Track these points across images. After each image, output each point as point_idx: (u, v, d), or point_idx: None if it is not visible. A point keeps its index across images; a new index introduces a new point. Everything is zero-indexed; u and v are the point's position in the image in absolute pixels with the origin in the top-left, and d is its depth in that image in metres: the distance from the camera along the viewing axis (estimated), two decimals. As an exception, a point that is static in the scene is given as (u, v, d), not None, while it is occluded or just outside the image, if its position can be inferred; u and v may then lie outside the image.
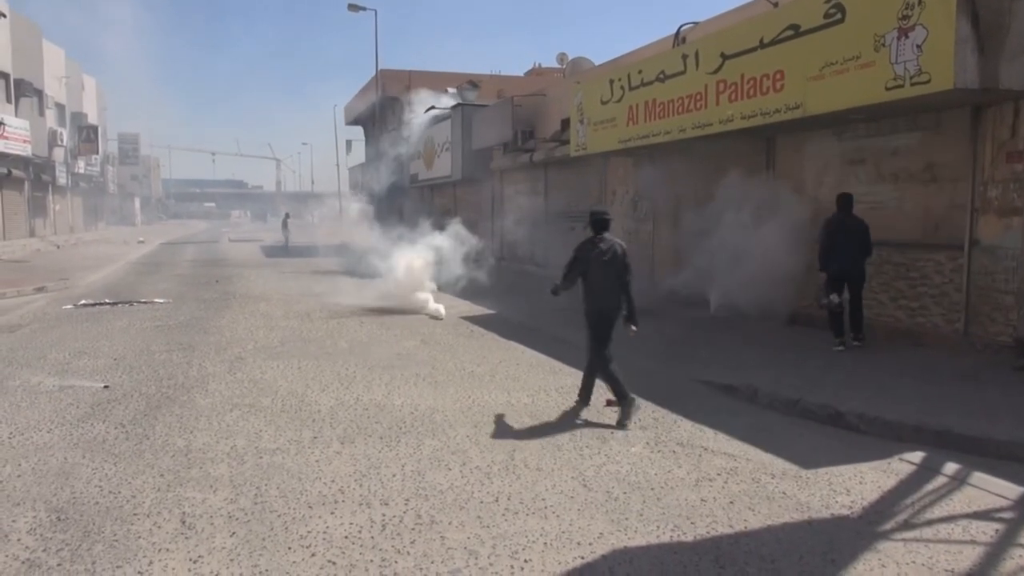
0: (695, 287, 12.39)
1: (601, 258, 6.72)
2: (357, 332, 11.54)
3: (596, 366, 6.86)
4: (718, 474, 5.41)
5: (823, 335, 9.84)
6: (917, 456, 5.77)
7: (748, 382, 7.70)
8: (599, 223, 6.86)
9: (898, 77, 7.96)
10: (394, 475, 5.33)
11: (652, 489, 5.11)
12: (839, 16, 8.71)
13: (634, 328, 6.77)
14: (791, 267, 10.64)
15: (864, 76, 8.40)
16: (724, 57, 10.73)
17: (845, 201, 9.30)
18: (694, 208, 12.77)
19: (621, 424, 6.52)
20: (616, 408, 6.87)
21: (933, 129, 9.35)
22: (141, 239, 42.78)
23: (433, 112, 27.78)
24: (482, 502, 4.84)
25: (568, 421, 6.69)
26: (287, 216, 39.37)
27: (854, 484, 5.23)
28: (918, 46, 7.75)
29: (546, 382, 8.21)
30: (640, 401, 6.99)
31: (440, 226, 11.87)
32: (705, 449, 5.97)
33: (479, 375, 8.56)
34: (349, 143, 56.09)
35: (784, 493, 5.07)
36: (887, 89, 8.13)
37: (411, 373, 8.60)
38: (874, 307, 9.97)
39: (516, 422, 6.68)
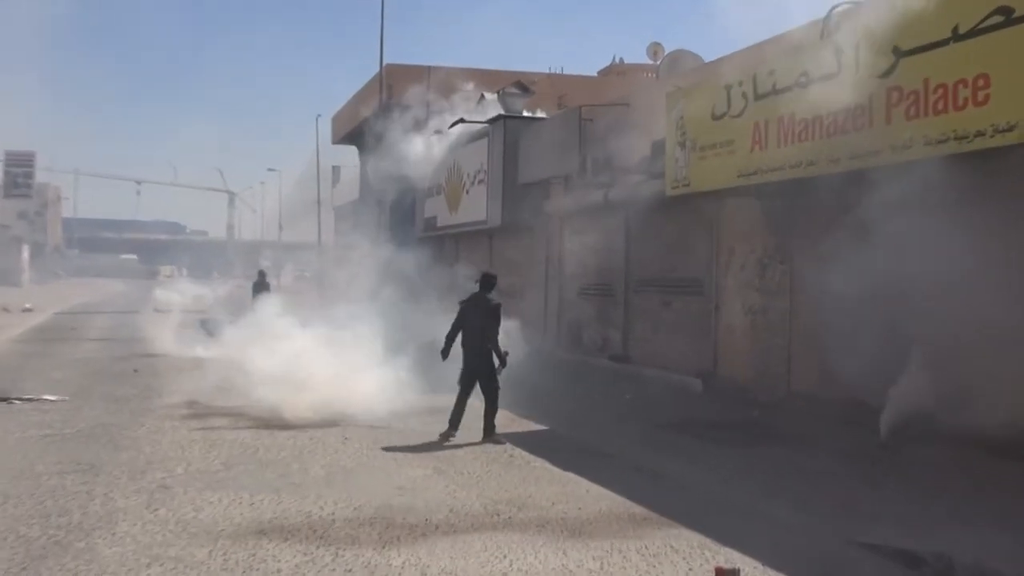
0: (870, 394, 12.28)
1: (473, 311, 12.04)
2: (340, 452, 11.63)
3: (493, 402, 12.27)
4: None
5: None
6: None
7: (938, 548, 7.54)
8: (487, 282, 12.58)
9: None
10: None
11: None
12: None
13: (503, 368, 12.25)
14: None
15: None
16: (898, 53, 10.89)
17: None
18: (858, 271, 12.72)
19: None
20: None
21: None
22: (28, 306, 44.00)
23: (460, 128, 28.37)
24: None
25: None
26: (263, 276, 38.84)
27: None
28: None
29: (622, 535, 8.17)
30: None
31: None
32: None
33: (520, 523, 8.52)
34: (336, 170, 57.47)
35: None
36: None
37: (417, 518, 8.60)
38: None
39: (576, 599, 6.61)
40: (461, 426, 12.51)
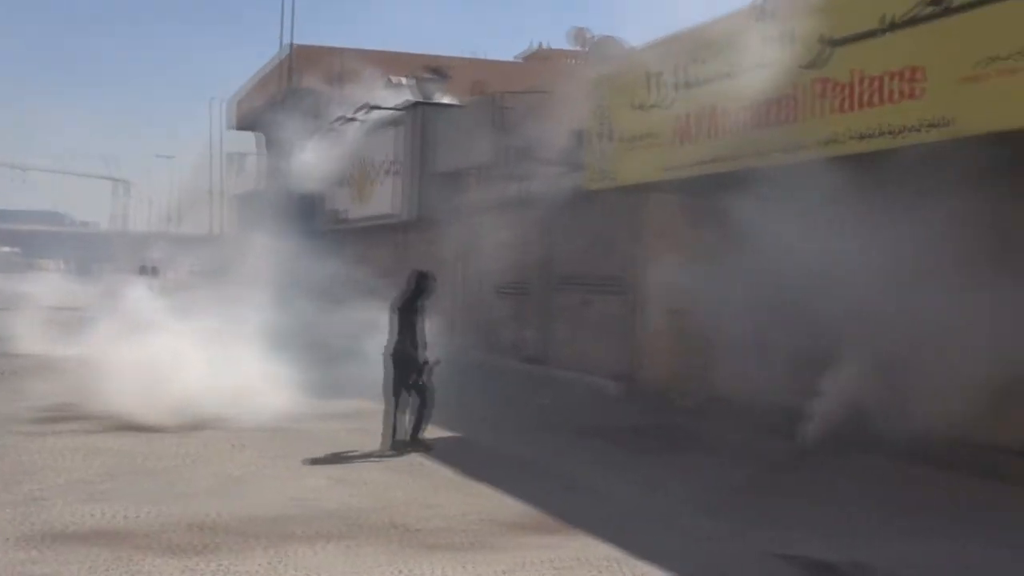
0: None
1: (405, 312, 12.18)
2: (230, 461, 11.49)
3: (425, 404, 12.17)
4: None
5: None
6: None
7: (857, 558, 7.68)
8: (422, 282, 12.40)
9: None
10: None
11: None
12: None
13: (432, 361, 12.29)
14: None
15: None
16: (828, 43, 11.06)
17: None
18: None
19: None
20: None
21: None
22: None
23: (370, 114, 28.20)
24: None
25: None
26: (148, 270, 37.88)
27: None
28: None
29: (531, 548, 8.17)
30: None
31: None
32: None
33: (424, 535, 8.50)
34: (239, 157, 56.58)
35: None
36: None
37: (313, 531, 8.52)
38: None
39: (481, 617, 6.58)
40: (368, 431, 12.43)
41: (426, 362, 12.21)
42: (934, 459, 11.18)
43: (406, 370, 12.13)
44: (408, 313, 12.26)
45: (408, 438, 12.10)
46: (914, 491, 10.34)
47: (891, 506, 9.68)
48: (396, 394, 12.21)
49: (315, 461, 11.58)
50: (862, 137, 10.69)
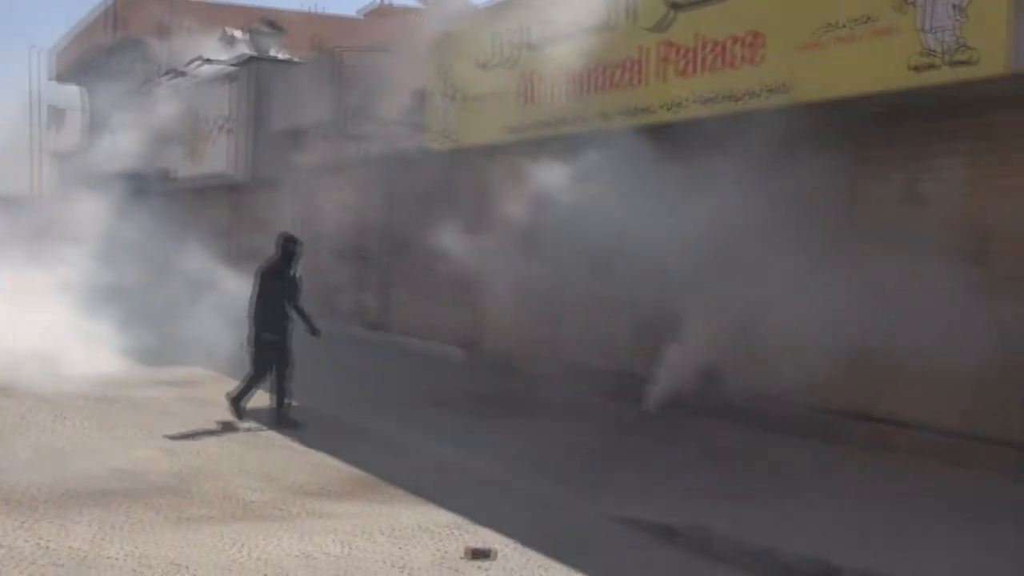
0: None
1: (275, 282, 11.85)
2: (52, 431, 11.18)
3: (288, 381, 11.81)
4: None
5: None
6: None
7: (695, 521, 7.88)
8: (288, 246, 11.99)
9: (929, 52, 8.56)
10: None
11: None
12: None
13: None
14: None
15: (880, 48, 9.00)
16: (672, 6, 11.22)
17: None
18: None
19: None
20: (478, 562, 7.17)
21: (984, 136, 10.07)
22: None
23: (205, 69, 27.47)
24: None
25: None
26: None
27: None
28: (957, 7, 8.37)
29: (370, 517, 8.20)
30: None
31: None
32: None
33: (259, 506, 8.44)
34: (58, 112, 54.26)
35: None
36: (913, 69, 8.72)
37: (141, 504, 8.36)
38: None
39: (319, 589, 6.53)
40: (200, 400, 12.17)
41: (314, 329, 12.21)
42: (775, 423, 11.53)
43: (281, 343, 11.93)
44: (275, 279, 11.99)
45: (275, 410, 11.89)
46: (755, 454, 10.63)
47: (732, 469, 9.97)
48: (267, 365, 11.94)
49: (143, 431, 11.32)
50: (705, 101, 10.89)
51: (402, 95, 19.15)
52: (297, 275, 12.15)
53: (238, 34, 28.94)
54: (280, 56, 26.49)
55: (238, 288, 14.94)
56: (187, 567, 6.85)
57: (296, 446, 10.89)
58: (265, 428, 11.68)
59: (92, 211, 25.63)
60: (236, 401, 11.88)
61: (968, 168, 10.20)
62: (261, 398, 12.05)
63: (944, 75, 8.59)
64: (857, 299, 10.33)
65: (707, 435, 11.49)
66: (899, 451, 10.25)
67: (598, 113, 12.25)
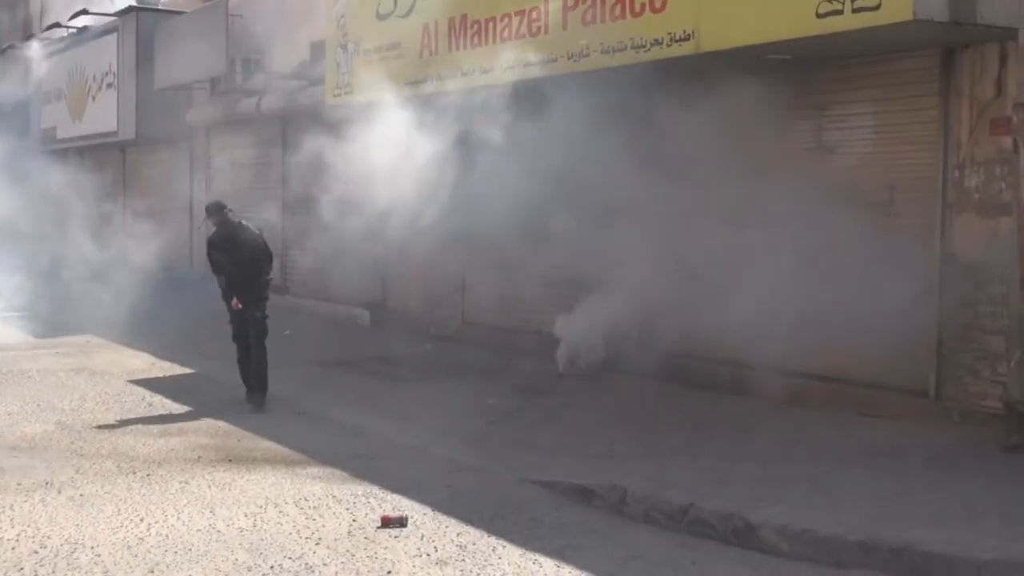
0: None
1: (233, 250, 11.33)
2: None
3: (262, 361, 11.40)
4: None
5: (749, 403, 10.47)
6: (866, 590, 6.27)
7: (611, 481, 8.01)
8: (217, 212, 11.47)
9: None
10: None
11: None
12: None
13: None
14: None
15: (786, -5, 9.14)
16: (576, -47, 11.18)
17: None
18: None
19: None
20: (391, 530, 7.23)
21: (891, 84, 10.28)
22: None
23: (85, 20, 26.73)
24: None
25: (320, 550, 6.64)
26: None
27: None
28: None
29: (278, 488, 8.21)
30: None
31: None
32: (544, 595, 6.13)
33: (160, 480, 8.43)
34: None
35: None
36: (819, 17, 8.85)
37: (37, 480, 8.32)
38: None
39: (227, 563, 6.53)
40: (90, 370, 11.98)
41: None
42: (691, 380, 11.69)
43: (252, 313, 11.42)
44: (248, 251, 11.49)
45: (248, 393, 11.47)
46: (671, 412, 10.75)
47: (648, 427, 10.07)
48: (246, 338, 11.52)
49: (36, 405, 11.22)
50: (610, 51, 10.88)
51: (298, 48, 18.92)
52: (261, 240, 11.80)
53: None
54: (165, 7, 25.86)
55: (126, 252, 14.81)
56: (89, 546, 6.82)
57: (198, 415, 10.87)
58: (164, 397, 11.59)
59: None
60: (251, 392, 11.44)
61: (874, 116, 10.43)
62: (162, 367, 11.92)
63: (849, 21, 8.72)
64: (770, 251, 10.49)
65: (622, 394, 11.63)
66: (816, 404, 10.48)
67: (500, 66, 12.16)
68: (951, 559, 6.42)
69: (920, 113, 10.00)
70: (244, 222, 11.88)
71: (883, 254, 9.92)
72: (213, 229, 11.63)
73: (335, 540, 6.98)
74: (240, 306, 11.29)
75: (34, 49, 28.71)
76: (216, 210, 11.60)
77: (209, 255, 11.74)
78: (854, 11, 8.63)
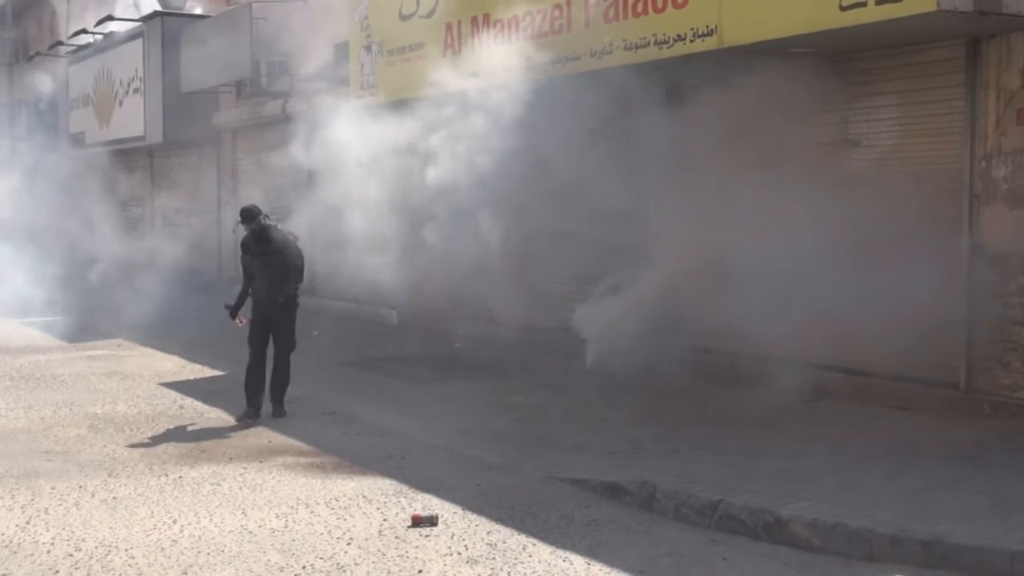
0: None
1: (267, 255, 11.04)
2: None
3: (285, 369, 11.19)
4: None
5: (764, 397, 10.52)
6: (897, 583, 6.30)
7: (641, 478, 8.06)
8: (248, 218, 11.25)
9: (857, -9, 8.72)
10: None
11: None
12: None
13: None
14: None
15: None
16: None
17: None
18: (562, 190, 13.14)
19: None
20: (422, 529, 7.29)
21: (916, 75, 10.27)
22: None
23: (112, 27, 26.97)
24: None
25: (352, 550, 6.71)
26: None
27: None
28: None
29: (309, 488, 8.27)
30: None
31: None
32: (574, 592, 6.19)
33: (192, 482, 8.47)
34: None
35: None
36: (843, 9, 8.86)
37: (71, 484, 8.38)
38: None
39: (259, 563, 6.62)
40: (122, 374, 12.09)
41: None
42: (717, 374, 11.71)
43: (279, 320, 11.19)
44: (282, 257, 11.14)
45: (273, 405, 11.15)
46: (693, 407, 10.78)
47: (676, 422, 10.10)
48: (263, 347, 11.14)
49: (70, 408, 11.33)
50: (632, 48, 10.90)
51: (323, 50, 18.98)
52: (296, 246, 11.46)
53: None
54: (193, 11, 26.04)
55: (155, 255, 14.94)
56: (123, 548, 6.89)
57: (227, 417, 10.95)
58: (195, 401, 11.69)
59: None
60: (274, 401, 11.16)
61: (900, 108, 10.42)
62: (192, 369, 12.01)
63: (872, 13, 8.73)
64: (796, 245, 10.47)
65: (644, 389, 11.60)
66: (842, 398, 10.49)
67: (523, 64, 12.19)
68: (982, 551, 6.43)
69: (946, 104, 9.98)
70: (280, 226, 11.68)
71: (910, 246, 9.91)
72: (245, 233, 11.37)
73: (366, 540, 7.05)
74: (243, 323, 11.15)
75: (66, 53, 29.02)
76: (250, 217, 11.26)
77: (241, 259, 11.47)
78: (878, 3, 8.62)
